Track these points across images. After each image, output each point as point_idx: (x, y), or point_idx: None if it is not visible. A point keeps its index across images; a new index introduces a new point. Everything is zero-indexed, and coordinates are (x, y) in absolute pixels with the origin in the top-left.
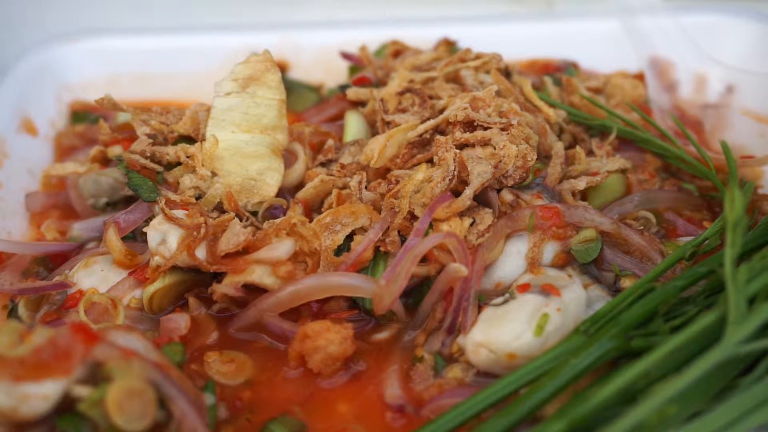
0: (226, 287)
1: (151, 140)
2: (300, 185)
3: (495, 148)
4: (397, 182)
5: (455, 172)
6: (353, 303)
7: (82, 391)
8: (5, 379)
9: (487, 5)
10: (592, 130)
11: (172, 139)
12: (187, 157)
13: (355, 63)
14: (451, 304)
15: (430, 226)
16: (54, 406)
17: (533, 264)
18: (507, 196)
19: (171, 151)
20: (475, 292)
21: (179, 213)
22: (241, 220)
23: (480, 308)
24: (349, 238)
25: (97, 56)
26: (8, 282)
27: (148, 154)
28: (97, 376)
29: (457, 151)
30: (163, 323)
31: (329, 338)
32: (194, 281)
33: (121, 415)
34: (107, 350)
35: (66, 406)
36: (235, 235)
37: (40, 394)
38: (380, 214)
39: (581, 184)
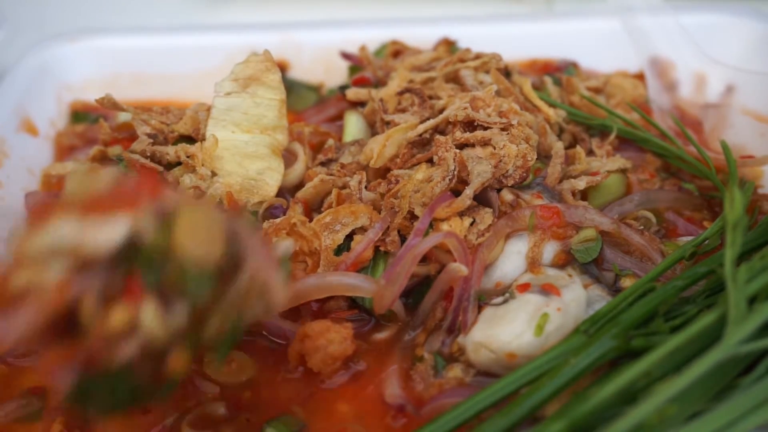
0: None
1: (151, 140)
2: (300, 185)
3: (495, 148)
4: (397, 182)
5: (455, 172)
6: (353, 303)
7: (149, 230)
8: (72, 217)
9: (487, 5)
10: (592, 129)
11: (172, 139)
12: (187, 156)
13: (355, 63)
14: (452, 304)
15: (430, 225)
16: (120, 246)
17: (533, 264)
18: (507, 195)
19: (171, 151)
20: (475, 291)
21: None
22: None
23: (480, 308)
24: (349, 237)
25: (97, 56)
26: None
27: (148, 154)
28: (162, 222)
29: (457, 150)
30: None
31: (329, 338)
32: None
33: (189, 242)
34: (173, 195)
35: (133, 248)
36: None
37: (107, 233)
38: (380, 213)
39: (581, 183)
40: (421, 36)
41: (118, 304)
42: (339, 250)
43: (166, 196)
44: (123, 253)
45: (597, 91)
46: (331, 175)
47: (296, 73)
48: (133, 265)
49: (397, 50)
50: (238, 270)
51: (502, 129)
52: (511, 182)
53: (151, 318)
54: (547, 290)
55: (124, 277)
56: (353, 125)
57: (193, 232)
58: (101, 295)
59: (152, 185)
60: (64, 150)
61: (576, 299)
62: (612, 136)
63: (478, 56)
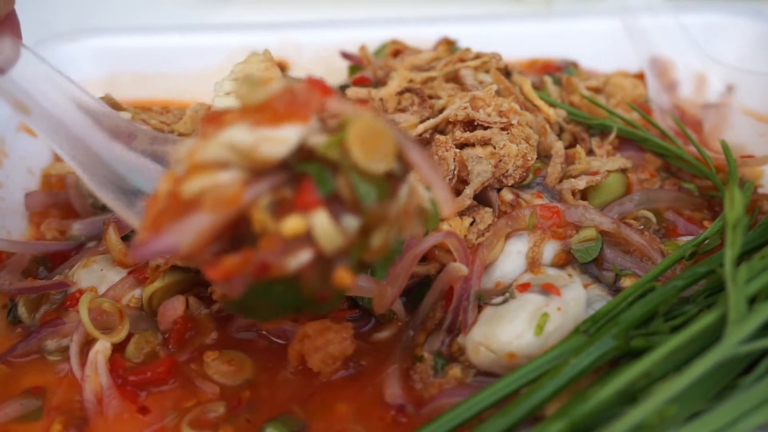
0: None
1: None
2: None
3: (495, 148)
4: None
5: (455, 172)
6: (353, 302)
7: (320, 139)
8: (244, 124)
9: (487, 5)
10: (592, 129)
11: None
12: None
13: (355, 63)
14: (451, 304)
15: None
16: (292, 152)
17: (533, 263)
18: (507, 195)
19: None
20: (475, 291)
21: None
22: None
23: (480, 308)
24: None
25: (97, 55)
26: (8, 281)
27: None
28: (334, 129)
29: (457, 150)
30: (161, 311)
31: (329, 338)
32: (194, 281)
33: (362, 150)
34: (342, 103)
35: (306, 155)
36: None
37: (280, 138)
38: None
39: (581, 183)
40: (421, 36)
41: (291, 213)
42: None
43: (337, 105)
44: (296, 161)
45: (597, 90)
46: None
47: (296, 73)
48: (307, 172)
49: (396, 50)
50: (402, 181)
51: (502, 128)
52: (511, 182)
53: (324, 227)
54: (547, 290)
55: (298, 185)
56: None
57: (365, 140)
58: (274, 203)
59: (323, 92)
60: None
61: (576, 299)
62: (612, 136)
63: (478, 56)
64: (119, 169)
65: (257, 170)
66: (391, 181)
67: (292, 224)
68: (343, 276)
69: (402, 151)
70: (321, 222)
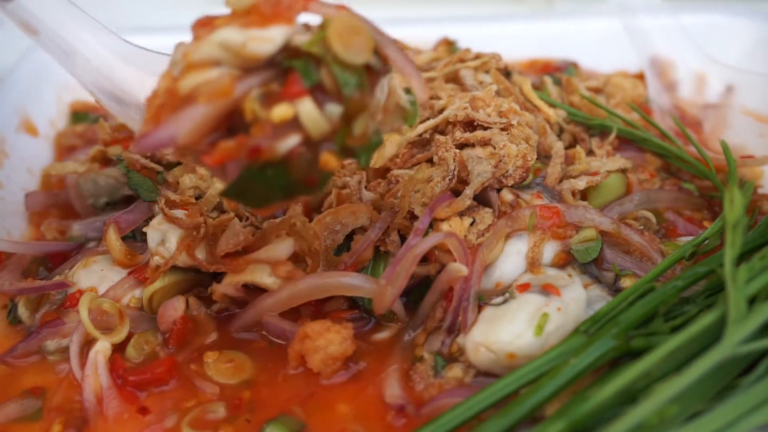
0: (226, 287)
1: None
2: None
3: (495, 148)
4: (397, 182)
5: (455, 172)
6: (353, 303)
7: (305, 38)
8: (234, 25)
9: (487, 5)
10: (592, 129)
11: None
12: None
13: None
14: (451, 304)
15: (430, 225)
16: (279, 50)
17: (533, 264)
18: (507, 195)
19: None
20: (475, 291)
21: (179, 213)
22: (240, 220)
23: (480, 308)
24: (349, 237)
25: None
26: (8, 282)
27: (148, 154)
28: (316, 27)
29: (457, 150)
30: (161, 311)
31: (329, 338)
32: (194, 281)
33: (342, 44)
34: (323, 5)
35: (291, 51)
36: (235, 235)
37: (267, 37)
38: (380, 213)
39: (581, 183)
40: (421, 36)
41: (279, 101)
42: (339, 250)
43: (319, 7)
44: (283, 58)
45: (597, 91)
46: None
47: None
48: (293, 67)
49: None
50: (382, 74)
51: (502, 129)
52: (511, 182)
53: (309, 112)
54: (547, 290)
55: (284, 78)
56: None
57: (344, 36)
58: (264, 95)
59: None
60: (64, 150)
61: (576, 299)
62: (612, 136)
63: (478, 56)
64: (121, 83)
65: (248, 67)
66: (370, 75)
67: (281, 111)
68: (328, 159)
69: (379, 46)
70: (307, 108)
